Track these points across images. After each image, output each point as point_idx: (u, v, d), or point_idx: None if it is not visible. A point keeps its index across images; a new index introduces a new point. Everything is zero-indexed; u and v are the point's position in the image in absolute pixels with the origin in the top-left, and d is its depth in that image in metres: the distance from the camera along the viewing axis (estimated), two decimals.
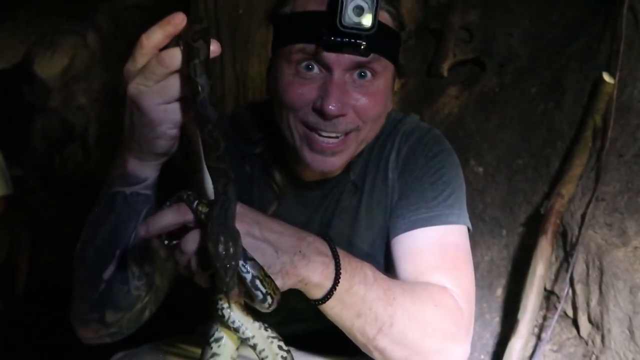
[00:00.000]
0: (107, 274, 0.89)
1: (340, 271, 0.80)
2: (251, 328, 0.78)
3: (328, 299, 0.81)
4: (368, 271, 0.85)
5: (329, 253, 0.81)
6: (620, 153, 1.78)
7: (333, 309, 0.83)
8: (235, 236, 0.66)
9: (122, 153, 0.84)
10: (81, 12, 5.75)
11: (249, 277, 0.69)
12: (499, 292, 2.12)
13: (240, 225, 0.71)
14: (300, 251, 0.77)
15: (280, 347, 0.79)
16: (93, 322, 0.94)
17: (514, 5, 2.35)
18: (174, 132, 0.78)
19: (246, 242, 0.72)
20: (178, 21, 0.71)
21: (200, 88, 0.69)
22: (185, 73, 0.70)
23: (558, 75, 2.12)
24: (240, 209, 0.74)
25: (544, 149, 2.05)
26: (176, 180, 0.84)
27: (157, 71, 0.72)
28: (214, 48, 0.72)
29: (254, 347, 0.80)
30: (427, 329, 0.91)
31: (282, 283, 0.76)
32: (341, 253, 0.82)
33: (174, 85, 0.73)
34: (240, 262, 0.68)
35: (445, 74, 2.47)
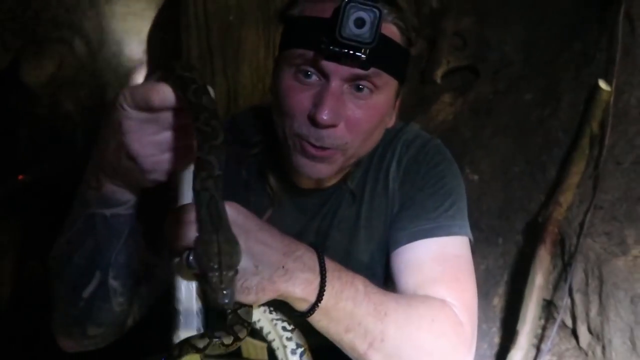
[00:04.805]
0: (87, 292, 0.85)
1: (325, 288, 0.76)
2: (256, 311, 0.77)
3: (312, 313, 0.78)
4: (360, 286, 0.82)
5: (317, 268, 0.77)
6: (618, 160, 1.76)
7: (319, 323, 0.80)
8: (232, 239, 0.60)
9: (98, 176, 0.78)
10: (68, 19, 5.70)
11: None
12: (496, 301, 2.09)
13: None
14: (283, 266, 0.73)
15: (284, 328, 0.79)
16: (75, 335, 0.90)
17: (507, 12, 2.34)
18: (164, 178, 0.73)
19: None
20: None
21: (193, 77, 0.64)
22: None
23: (553, 82, 2.11)
24: (232, 214, 0.69)
25: (540, 156, 2.04)
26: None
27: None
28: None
29: (260, 330, 0.79)
30: (423, 345, 0.87)
31: (256, 298, 0.72)
32: (331, 267, 0.78)
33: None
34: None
35: (439, 80, 2.46)
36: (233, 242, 0.60)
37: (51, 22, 5.47)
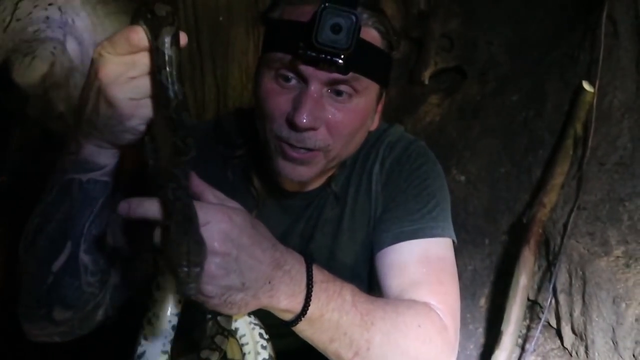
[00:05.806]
0: (57, 266, 0.82)
1: (311, 300, 0.76)
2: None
3: (296, 323, 0.78)
4: (347, 296, 0.81)
5: (304, 281, 0.77)
6: (601, 162, 1.77)
7: (303, 332, 0.80)
8: (200, 241, 0.65)
9: (77, 138, 0.77)
10: (61, 18, 5.66)
11: None
12: (482, 302, 2.10)
13: (220, 246, 0.68)
14: (269, 282, 0.73)
15: (261, 335, 0.82)
16: (40, 319, 0.86)
17: (494, 13, 2.35)
18: (143, 127, 0.73)
19: (216, 263, 0.68)
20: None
21: (173, 95, 0.67)
22: (157, 79, 0.68)
23: (538, 83, 2.12)
24: (227, 227, 0.70)
25: (526, 157, 2.05)
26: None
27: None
28: (182, 40, 0.68)
29: (235, 330, 0.81)
30: (409, 351, 0.88)
31: (238, 311, 0.72)
32: (319, 278, 0.78)
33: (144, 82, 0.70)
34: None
35: (427, 82, 2.47)
36: (200, 243, 0.65)
37: (43, 21, 5.44)
